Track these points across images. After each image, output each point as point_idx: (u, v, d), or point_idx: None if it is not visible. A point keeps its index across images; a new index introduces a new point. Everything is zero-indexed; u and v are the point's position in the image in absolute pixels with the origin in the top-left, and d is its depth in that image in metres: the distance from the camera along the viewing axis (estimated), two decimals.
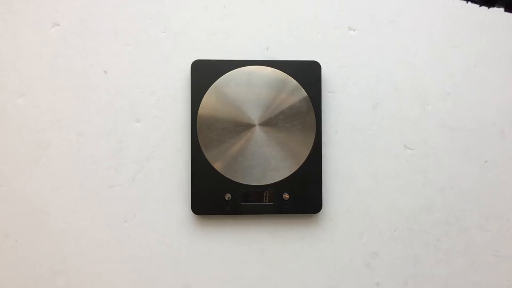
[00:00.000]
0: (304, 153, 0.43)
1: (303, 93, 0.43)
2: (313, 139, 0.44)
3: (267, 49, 0.46)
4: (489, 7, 0.26)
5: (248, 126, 0.43)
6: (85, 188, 0.44)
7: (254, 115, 0.43)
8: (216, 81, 0.43)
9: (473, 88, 0.46)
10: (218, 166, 0.43)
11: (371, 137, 0.46)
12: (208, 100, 0.43)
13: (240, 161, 0.43)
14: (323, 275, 0.45)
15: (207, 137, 0.43)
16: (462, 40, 0.46)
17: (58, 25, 0.44)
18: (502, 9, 0.30)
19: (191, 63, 0.43)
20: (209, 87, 0.43)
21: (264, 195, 0.43)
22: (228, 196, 0.43)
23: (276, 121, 0.43)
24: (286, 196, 0.43)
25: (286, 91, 0.43)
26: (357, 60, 0.46)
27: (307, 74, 0.44)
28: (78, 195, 0.44)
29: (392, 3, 0.46)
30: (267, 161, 0.43)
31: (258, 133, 0.43)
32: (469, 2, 0.28)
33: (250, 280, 0.44)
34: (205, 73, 0.43)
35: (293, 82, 0.44)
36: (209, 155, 0.43)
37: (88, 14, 0.45)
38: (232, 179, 0.43)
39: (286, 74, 0.44)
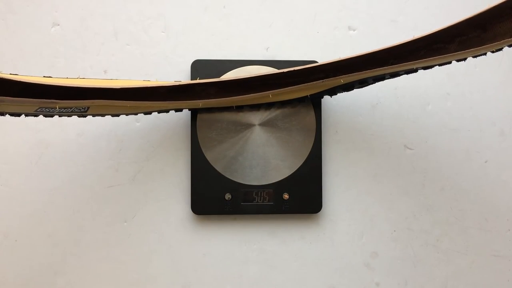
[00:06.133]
0: (304, 153, 0.43)
1: None
2: (313, 139, 0.44)
3: (267, 49, 0.46)
4: None
5: (248, 126, 0.43)
6: (85, 188, 0.44)
7: (254, 115, 0.43)
8: None
9: (473, 88, 0.46)
10: (218, 166, 0.43)
11: (371, 137, 0.46)
12: None
13: (240, 161, 0.43)
14: (323, 275, 0.45)
15: (207, 137, 0.43)
16: None
17: (58, 25, 0.44)
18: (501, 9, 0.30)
19: (191, 63, 0.43)
20: None
21: (264, 195, 0.43)
22: (228, 196, 0.43)
23: (276, 121, 0.43)
24: (286, 196, 0.43)
25: None
26: None
27: None
28: (78, 195, 0.44)
29: (392, 3, 0.46)
30: (267, 161, 0.43)
31: (258, 133, 0.43)
32: None
33: (250, 280, 0.45)
34: (205, 73, 0.43)
35: None
36: (209, 155, 0.43)
37: (88, 14, 0.45)
38: (232, 179, 0.43)
39: None
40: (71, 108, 0.34)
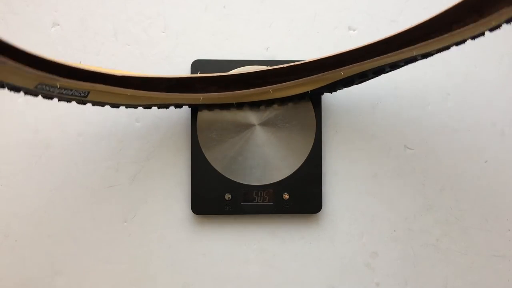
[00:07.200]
0: (304, 153, 0.43)
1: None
2: (313, 139, 0.44)
3: (267, 49, 0.46)
4: None
5: (248, 126, 0.43)
6: (85, 188, 0.44)
7: (254, 115, 0.43)
8: None
9: (473, 88, 0.46)
10: (218, 166, 0.43)
11: (371, 137, 0.46)
12: None
13: (240, 161, 0.43)
14: (323, 275, 0.45)
15: (207, 137, 0.43)
16: None
17: (58, 25, 0.44)
18: None
19: (191, 63, 0.43)
20: None
21: (264, 195, 0.43)
22: (228, 196, 0.43)
23: (276, 121, 0.43)
24: (286, 196, 0.43)
25: None
26: None
27: None
28: (78, 195, 0.44)
29: (392, 3, 0.46)
30: (267, 161, 0.43)
31: (258, 133, 0.43)
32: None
33: (250, 280, 0.45)
34: (205, 73, 0.43)
35: None
36: (209, 155, 0.43)
37: (88, 14, 0.45)
38: (232, 179, 0.43)
39: None
40: (71, 90, 0.34)
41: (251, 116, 0.43)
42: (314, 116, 0.44)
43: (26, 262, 0.43)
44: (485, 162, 0.46)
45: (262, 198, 0.43)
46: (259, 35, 0.46)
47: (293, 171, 0.43)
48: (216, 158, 0.43)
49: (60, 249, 0.44)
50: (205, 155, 0.43)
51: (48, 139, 0.44)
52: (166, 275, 0.44)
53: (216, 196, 0.43)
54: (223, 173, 0.43)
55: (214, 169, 0.43)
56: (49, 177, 0.44)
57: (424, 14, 0.46)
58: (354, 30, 0.46)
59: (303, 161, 0.43)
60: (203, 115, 0.43)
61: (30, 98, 0.44)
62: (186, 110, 0.44)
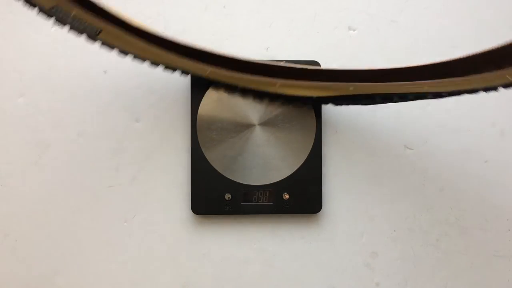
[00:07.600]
0: (304, 153, 0.43)
1: None
2: (313, 139, 0.44)
3: (267, 49, 0.46)
4: None
5: (248, 126, 0.43)
6: (85, 188, 0.44)
7: (254, 115, 0.43)
8: None
9: None
10: (218, 166, 0.43)
11: (371, 137, 0.46)
12: (208, 100, 0.43)
13: (240, 161, 0.43)
14: (323, 275, 0.45)
15: (207, 137, 0.43)
16: (462, 40, 0.46)
17: None
18: (502, 9, 0.30)
19: None
20: (209, 87, 0.43)
21: (264, 195, 0.43)
22: (228, 196, 0.43)
23: (276, 121, 0.43)
24: (286, 196, 0.43)
25: None
26: (357, 60, 0.46)
27: None
28: (78, 195, 0.44)
29: (392, 3, 0.46)
30: (267, 161, 0.43)
31: (258, 133, 0.43)
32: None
33: (250, 280, 0.45)
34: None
35: None
36: (209, 155, 0.43)
37: None
38: (232, 179, 0.43)
39: None
40: (84, 24, 0.34)
41: (251, 116, 0.43)
42: (314, 116, 0.44)
43: (26, 262, 0.43)
44: (485, 162, 0.46)
45: (262, 198, 0.43)
46: (259, 35, 0.46)
47: (293, 171, 0.43)
48: (216, 158, 0.43)
49: (60, 249, 0.44)
50: (205, 155, 0.43)
51: (48, 139, 0.44)
52: (166, 275, 0.44)
53: (216, 196, 0.43)
54: (223, 173, 0.43)
55: (214, 169, 0.43)
56: (49, 177, 0.44)
57: (424, 14, 0.47)
58: (354, 30, 0.46)
59: (303, 161, 0.43)
60: (204, 113, 0.43)
61: (30, 98, 0.44)
62: (185, 110, 0.44)
